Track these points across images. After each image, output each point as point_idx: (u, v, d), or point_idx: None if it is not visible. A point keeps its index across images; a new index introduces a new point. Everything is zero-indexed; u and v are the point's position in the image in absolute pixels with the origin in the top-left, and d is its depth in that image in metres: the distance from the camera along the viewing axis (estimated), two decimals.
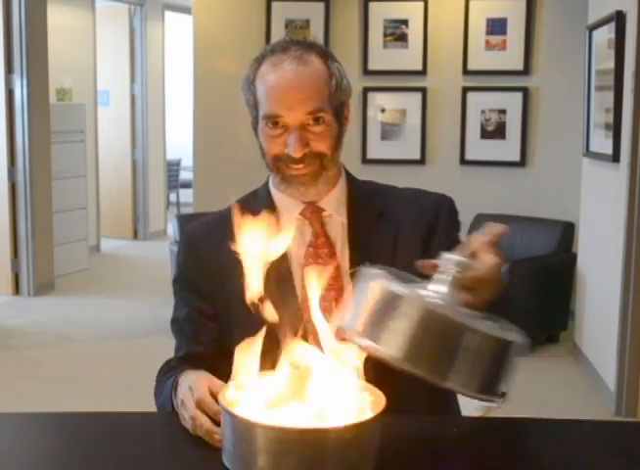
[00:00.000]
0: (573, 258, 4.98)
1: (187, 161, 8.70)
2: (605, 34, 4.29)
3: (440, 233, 1.53)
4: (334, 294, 1.45)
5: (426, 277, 1.18)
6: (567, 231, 5.04)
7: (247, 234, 1.18)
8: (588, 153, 4.64)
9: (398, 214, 1.56)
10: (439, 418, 1.46)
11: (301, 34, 5.37)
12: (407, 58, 5.52)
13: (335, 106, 1.50)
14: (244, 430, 1.11)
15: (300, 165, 1.48)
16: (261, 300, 1.18)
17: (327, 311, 1.17)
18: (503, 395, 1.10)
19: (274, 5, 5.57)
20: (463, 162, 5.56)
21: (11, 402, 3.94)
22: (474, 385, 1.06)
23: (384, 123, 5.61)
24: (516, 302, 1.44)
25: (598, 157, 4.40)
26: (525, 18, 5.35)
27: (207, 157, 5.79)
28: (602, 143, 4.29)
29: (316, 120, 1.47)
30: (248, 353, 1.18)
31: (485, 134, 5.49)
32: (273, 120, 1.47)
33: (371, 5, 5.52)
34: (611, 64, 4.11)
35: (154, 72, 8.70)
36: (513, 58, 5.40)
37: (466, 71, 5.47)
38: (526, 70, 5.39)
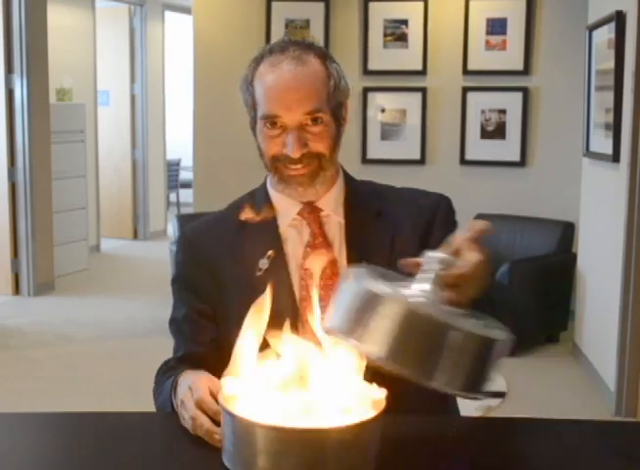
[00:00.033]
0: (573, 258, 4.98)
1: (187, 161, 8.70)
2: (605, 34, 4.29)
3: (437, 232, 1.53)
4: (332, 294, 1.45)
5: (412, 276, 1.18)
6: (567, 231, 5.04)
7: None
8: (588, 153, 4.64)
9: (396, 214, 1.56)
10: (439, 418, 1.46)
11: (300, 35, 5.37)
12: (407, 58, 5.52)
13: (333, 106, 1.50)
14: (244, 430, 1.11)
15: (299, 166, 1.48)
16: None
17: (325, 311, 1.17)
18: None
19: (274, 5, 5.57)
20: (463, 162, 5.56)
21: (11, 402, 3.94)
22: (458, 383, 1.05)
23: (384, 123, 5.61)
24: (508, 299, 1.43)
25: (598, 157, 4.40)
26: (525, 18, 5.35)
27: (207, 157, 5.79)
28: (602, 143, 4.29)
29: (314, 121, 1.47)
30: (247, 348, 1.18)
31: (485, 134, 5.49)
32: (271, 121, 1.47)
33: (371, 5, 5.52)
34: (611, 64, 4.11)
35: (154, 72, 8.70)
36: (513, 58, 5.40)
37: (466, 71, 5.47)
38: (526, 70, 5.39)
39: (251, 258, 1.51)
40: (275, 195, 1.58)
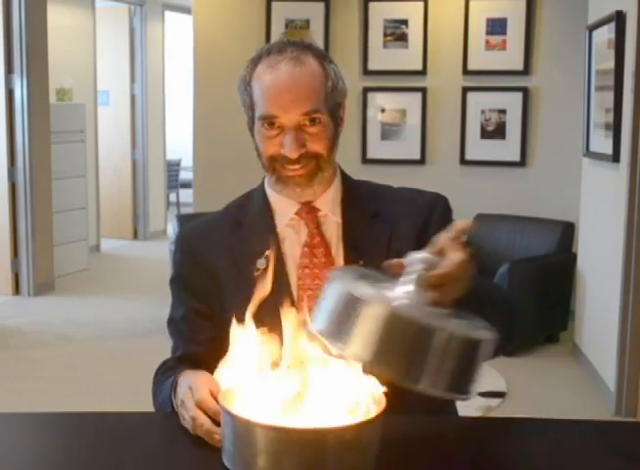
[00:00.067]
0: (573, 258, 4.98)
1: (187, 161, 8.70)
2: (605, 34, 4.29)
3: (433, 231, 1.53)
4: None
5: (399, 277, 1.17)
6: (567, 231, 5.04)
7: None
8: (588, 153, 4.64)
9: (393, 214, 1.57)
10: (439, 418, 1.46)
11: (298, 35, 5.38)
12: (407, 58, 5.52)
13: (331, 107, 1.50)
14: (244, 430, 1.11)
15: (296, 166, 1.49)
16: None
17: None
18: (469, 392, 1.09)
19: (274, 5, 5.57)
20: (463, 162, 5.56)
21: (11, 402, 3.94)
22: (444, 385, 1.05)
23: (384, 123, 5.61)
24: (493, 299, 1.42)
25: (598, 157, 4.40)
26: (525, 18, 5.35)
27: (207, 157, 5.79)
28: (602, 143, 4.29)
29: (312, 121, 1.47)
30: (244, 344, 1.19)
31: (485, 134, 5.49)
32: (269, 121, 1.47)
33: (371, 5, 5.52)
34: (611, 64, 4.11)
35: (154, 72, 8.70)
36: (513, 58, 5.40)
37: (466, 71, 5.47)
38: (526, 70, 5.40)
39: (249, 257, 1.51)
40: (273, 195, 1.58)
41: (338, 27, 5.60)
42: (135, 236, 8.69)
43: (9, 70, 5.98)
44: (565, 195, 5.36)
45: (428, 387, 1.04)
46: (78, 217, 7.17)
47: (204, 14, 5.73)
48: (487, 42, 5.43)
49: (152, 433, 1.38)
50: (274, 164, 1.51)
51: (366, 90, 5.56)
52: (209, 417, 1.24)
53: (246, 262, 1.51)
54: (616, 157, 4.02)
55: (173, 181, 10.13)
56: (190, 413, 1.27)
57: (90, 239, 7.50)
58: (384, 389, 1.15)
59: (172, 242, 5.34)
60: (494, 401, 4.05)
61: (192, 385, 1.31)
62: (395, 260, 1.19)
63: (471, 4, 5.41)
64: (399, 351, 1.04)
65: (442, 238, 1.19)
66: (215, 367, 1.29)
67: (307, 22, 5.57)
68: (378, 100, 5.59)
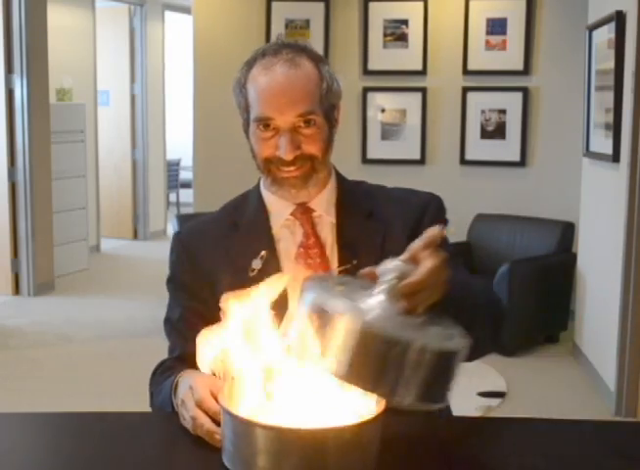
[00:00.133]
0: (573, 258, 4.98)
1: (187, 161, 8.70)
2: (605, 34, 4.29)
3: (425, 230, 1.53)
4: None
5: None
6: (567, 231, 5.04)
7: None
8: (588, 153, 4.64)
9: (387, 214, 1.57)
10: (439, 418, 1.46)
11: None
12: (407, 58, 5.52)
13: (325, 108, 1.51)
14: (244, 430, 1.11)
15: (292, 168, 1.49)
16: None
17: None
18: (444, 401, 1.09)
19: (274, 5, 5.57)
20: (463, 162, 5.56)
21: (11, 402, 3.94)
22: (419, 396, 1.04)
23: (384, 123, 5.61)
24: (474, 301, 1.41)
25: (598, 157, 4.40)
26: (525, 18, 5.35)
27: (207, 157, 5.79)
28: (602, 143, 4.29)
29: (307, 123, 1.48)
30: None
31: (485, 134, 5.49)
32: (264, 123, 1.48)
33: (371, 5, 5.52)
34: (611, 64, 4.11)
35: (154, 72, 8.70)
36: (513, 58, 5.40)
37: (466, 71, 5.47)
38: (526, 70, 5.40)
39: (245, 258, 1.52)
40: (268, 196, 1.59)
41: (338, 27, 5.60)
42: (135, 236, 8.69)
43: (9, 70, 5.98)
44: (565, 195, 5.36)
45: (403, 399, 1.03)
46: (78, 217, 7.17)
47: (204, 14, 5.73)
48: (487, 42, 5.43)
49: (152, 433, 1.38)
50: (269, 166, 1.51)
51: (366, 90, 5.56)
52: (210, 417, 1.24)
53: (241, 263, 1.52)
54: (616, 157, 4.02)
55: (173, 181, 10.13)
56: (190, 413, 1.27)
57: (90, 239, 7.50)
58: None
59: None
60: (494, 401, 4.05)
61: (192, 384, 1.31)
62: (368, 269, 1.18)
63: (471, 4, 5.41)
64: (373, 363, 1.03)
65: (415, 245, 1.18)
66: None
67: (307, 22, 5.57)
68: (378, 100, 5.59)
